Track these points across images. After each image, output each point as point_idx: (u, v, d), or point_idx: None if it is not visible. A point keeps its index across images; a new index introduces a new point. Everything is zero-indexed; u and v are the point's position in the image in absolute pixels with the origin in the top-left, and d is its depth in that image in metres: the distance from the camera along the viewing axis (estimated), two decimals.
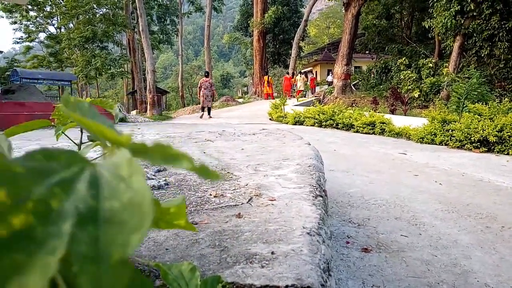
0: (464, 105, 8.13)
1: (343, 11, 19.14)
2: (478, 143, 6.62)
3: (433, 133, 7.48)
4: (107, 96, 50.58)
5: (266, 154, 2.11)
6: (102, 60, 25.60)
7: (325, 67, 34.34)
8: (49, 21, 32.95)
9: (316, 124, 10.89)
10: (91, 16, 27.64)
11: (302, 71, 33.19)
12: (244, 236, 0.85)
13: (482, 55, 14.70)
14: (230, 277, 0.64)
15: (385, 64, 20.24)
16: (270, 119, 13.66)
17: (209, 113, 14.73)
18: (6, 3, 26.98)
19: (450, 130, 7.18)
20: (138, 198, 0.23)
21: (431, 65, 15.95)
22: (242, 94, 39.00)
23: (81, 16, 27.79)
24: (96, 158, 0.46)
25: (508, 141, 6.31)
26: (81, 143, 0.76)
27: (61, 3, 29.26)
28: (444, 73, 14.45)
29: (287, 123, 11.87)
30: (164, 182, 1.41)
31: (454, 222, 2.76)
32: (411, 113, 12.17)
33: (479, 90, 9.35)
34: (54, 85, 28.82)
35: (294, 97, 21.46)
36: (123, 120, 10.84)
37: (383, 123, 9.13)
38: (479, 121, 6.87)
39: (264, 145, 2.52)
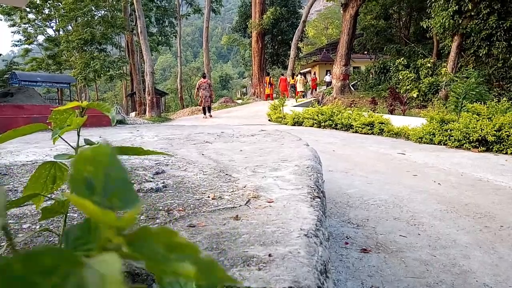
0: (463, 105, 8.14)
1: (341, 11, 19.15)
2: (477, 143, 6.63)
3: (431, 133, 7.49)
4: (106, 98, 50.63)
5: (264, 156, 2.11)
6: (100, 62, 25.59)
7: (324, 67, 34.38)
8: (47, 23, 32.93)
9: (315, 125, 10.90)
10: (89, 18, 27.63)
11: (302, 71, 33.27)
12: (242, 239, 0.85)
13: (480, 55, 14.73)
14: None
15: (383, 64, 20.26)
16: (269, 120, 13.67)
17: (209, 112, 15.32)
18: (5, 5, 26.98)
19: (449, 130, 7.19)
20: None
21: (429, 65, 15.98)
22: (241, 95, 39.05)
23: (79, 18, 27.78)
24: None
25: (506, 140, 6.32)
26: (78, 146, 0.77)
27: (59, 5, 29.25)
28: (443, 73, 14.47)
29: (286, 124, 11.87)
30: (162, 184, 1.41)
31: (453, 222, 2.76)
32: (409, 113, 12.19)
33: (477, 90, 9.37)
34: (53, 87, 28.83)
35: (293, 97, 21.47)
36: (122, 122, 10.84)
37: (382, 123, 9.14)
38: (477, 121, 6.88)
39: (263, 146, 2.53)
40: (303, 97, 22.63)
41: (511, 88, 14.18)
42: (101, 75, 26.91)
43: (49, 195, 0.73)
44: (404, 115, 11.12)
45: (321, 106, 12.19)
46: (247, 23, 27.76)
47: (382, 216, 2.85)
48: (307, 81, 25.88)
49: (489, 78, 14.45)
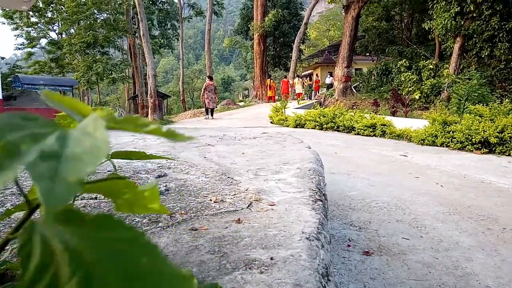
0: (465, 107, 8.13)
1: (343, 13, 19.18)
2: (479, 145, 6.62)
3: (434, 134, 7.48)
4: (108, 101, 50.74)
5: (266, 158, 2.12)
6: (103, 65, 25.70)
7: (326, 69, 34.31)
8: (50, 27, 33.07)
9: (317, 127, 10.90)
10: (92, 21, 27.76)
11: (301, 74, 33.26)
12: (244, 242, 0.86)
13: (483, 56, 14.69)
14: (229, 283, 0.65)
15: (385, 66, 20.23)
16: (271, 122, 13.68)
17: (212, 114, 15.42)
18: (8, 9, 27.14)
19: (451, 132, 7.18)
20: (97, 144, 0.28)
21: (431, 66, 15.94)
22: (243, 98, 39.06)
23: (82, 21, 27.92)
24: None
25: (509, 142, 6.30)
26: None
27: (62, 8, 29.40)
28: (445, 75, 14.45)
29: (288, 126, 11.88)
30: (165, 188, 1.42)
31: (455, 224, 2.76)
32: (412, 115, 12.17)
33: (479, 91, 9.35)
34: (56, 90, 28.85)
35: (294, 99, 21.50)
36: None
37: (384, 125, 9.13)
38: (480, 122, 6.87)
39: (265, 149, 2.53)
40: (304, 99, 22.65)
41: None
42: (104, 78, 27.02)
43: None
44: (406, 117, 11.11)
45: (323, 108, 12.19)
46: (249, 26, 27.80)
47: (385, 219, 2.85)
48: (305, 83, 25.93)
49: (492, 80, 14.41)
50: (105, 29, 26.97)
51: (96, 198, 1.25)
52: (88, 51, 27.04)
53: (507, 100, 8.70)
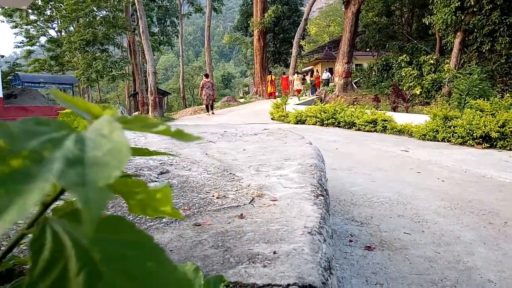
0: (466, 101, 8.12)
1: (343, 9, 19.12)
2: (480, 139, 6.62)
3: (435, 130, 7.48)
4: (109, 99, 50.74)
5: (267, 155, 2.12)
6: (103, 63, 25.66)
7: (326, 65, 34.30)
8: (49, 24, 33.01)
9: (318, 123, 10.89)
10: (91, 19, 27.70)
11: (301, 70, 33.19)
12: (247, 237, 0.86)
13: (483, 51, 14.65)
14: (233, 276, 0.66)
15: (386, 62, 20.19)
16: (272, 118, 13.66)
17: (212, 109, 16.16)
18: (7, 7, 27.08)
19: (452, 127, 7.17)
20: (117, 147, 0.28)
21: (432, 61, 15.90)
22: (243, 94, 38.99)
23: (81, 19, 27.85)
24: None
25: (510, 136, 6.30)
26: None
27: (61, 6, 29.32)
28: (446, 70, 14.41)
29: (288, 123, 11.87)
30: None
31: (456, 219, 2.77)
32: (412, 110, 12.15)
33: (480, 86, 9.33)
34: (56, 88, 28.81)
35: (295, 95, 21.47)
36: None
37: (385, 120, 9.12)
38: (481, 117, 6.86)
39: (266, 145, 2.53)
40: (313, 93, 22.65)
41: None
42: (104, 75, 26.98)
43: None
44: (407, 112, 11.10)
45: (324, 104, 12.17)
46: (248, 22, 27.71)
47: (386, 214, 2.86)
48: (306, 79, 25.86)
49: (492, 74, 14.37)
50: (105, 27, 26.90)
51: None
52: (87, 49, 27.00)
53: (508, 94, 8.68)
